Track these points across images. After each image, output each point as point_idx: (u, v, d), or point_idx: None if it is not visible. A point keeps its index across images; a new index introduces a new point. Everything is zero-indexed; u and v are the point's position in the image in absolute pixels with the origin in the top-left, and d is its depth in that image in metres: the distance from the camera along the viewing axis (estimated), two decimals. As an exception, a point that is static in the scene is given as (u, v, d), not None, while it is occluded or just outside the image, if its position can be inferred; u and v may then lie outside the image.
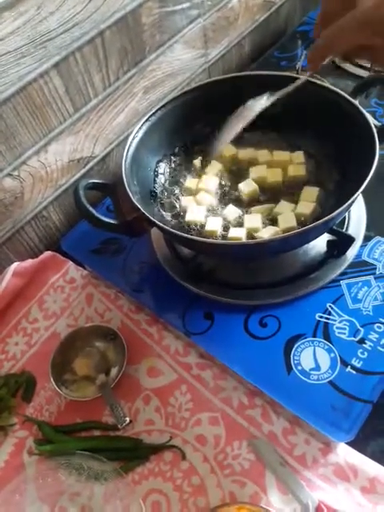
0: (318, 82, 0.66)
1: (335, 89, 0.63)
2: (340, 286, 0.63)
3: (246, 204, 0.66)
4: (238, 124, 0.62)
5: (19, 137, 0.70)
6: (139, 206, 0.56)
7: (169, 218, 0.67)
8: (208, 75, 1.01)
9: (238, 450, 0.60)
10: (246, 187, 0.65)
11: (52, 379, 0.66)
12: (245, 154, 0.70)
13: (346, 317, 0.60)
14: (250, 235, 0.61)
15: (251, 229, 0.61)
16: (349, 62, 0.58)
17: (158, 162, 0.71)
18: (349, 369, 0.57)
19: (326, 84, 0.66)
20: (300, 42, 1.05)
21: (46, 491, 0.59)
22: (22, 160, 0.72)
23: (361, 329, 0.59)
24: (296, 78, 0.67)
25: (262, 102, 0.61)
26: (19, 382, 0.69)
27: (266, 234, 0.60)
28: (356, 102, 0.61)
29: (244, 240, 0.60)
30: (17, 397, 0.68)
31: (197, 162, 0.71)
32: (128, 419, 0.62)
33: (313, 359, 0.58)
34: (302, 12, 1.20)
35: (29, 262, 0.79)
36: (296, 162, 0.67)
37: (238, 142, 0.72)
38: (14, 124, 0.68)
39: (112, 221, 0.57)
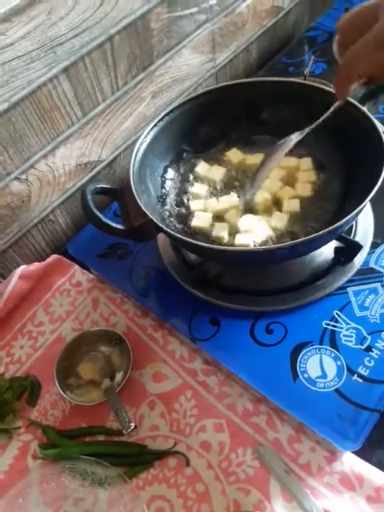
0: (326, 88, 0.66)
1: (344, 95, 0.63)
2: (347, 293, 0.63)
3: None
4: (276, 156, 0.62)
5: (27, 140, 0.70)
6: (147, 212, 0.56)
7: (176, 224, 0.67)
8: (215, 80, 1.01)
9: (242, 457, 0.59)
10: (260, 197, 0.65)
11: (57, 383, 0.66)
12: (253, 159, 0.70)
13: (353, 324, 0.60)
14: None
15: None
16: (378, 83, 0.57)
17: (166, 168, 0.71)
18: (355, 377, 0.56)
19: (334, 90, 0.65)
20: (307, 48, 1.05)
21: (50, 496, 0.59)
22: (29, 164, 0.73)
23: (368, 336, 0.59)
24: (304, 84, 0.67)
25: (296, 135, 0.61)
26: (24, 385, 0.69)
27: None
28: (364, 109, 0.61)
29: (251, 247, 0.60)
30: (21, 400, 0.68)
31: (199, 168, 0.71)
32: (133, 424, 0.61)
33: (319, 367, 0.58)
34: (309, 18, 1.20)
35: (35, 266, 0.79)
36: (304, 169, 0.67)
37: (246, 146, 0.72)
38: (22, 128, 0.68)
39: (119, 226, 0.58)
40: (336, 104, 0.57)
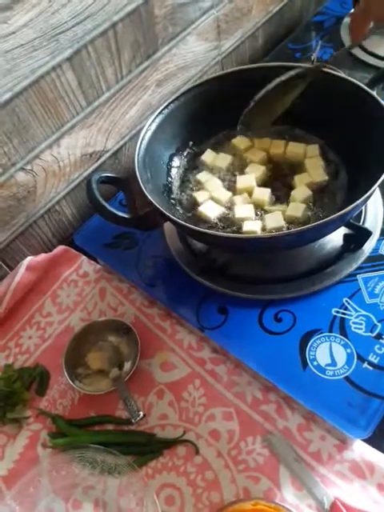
0: (335, 72, 0.65)
1: (352, 79, 0.62)
2: (356, 280, 0.62)
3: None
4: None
5: (32, 131, 0.70)
6: (152, 200, 0.56)
7: (182, 212, 0.66)
8: (221, 68, 0.99)
9: (252, 446, 0.59)
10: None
11: (65, 373, 0.66)
12: (260, 144, 0.69)
13: (363, 312, 0.59)
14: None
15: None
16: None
17: (172, 156, 0.70)
18: (365, 365, 0.56)
19: (343, 75, 0.64)
20: (314, 33, 1.03)
21: (60, 484, 0.60)
22: (34, 154, 0.72)
23: (378, 324, 0.58)
24: (311, 70, 0.66)
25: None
26: (33, 375, 0.69)
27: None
28: (374, 93, 0.60)
29: (258, 234, 0.59)
30: (31, 390, 0.69)
31: (205, 156, 0.70)
32: (142, 413, 0.61)
33: (329, 355, 0.57)
34: (316, 2, 1.17)
35: (42, 257, 0.79)
36: (310, 155, 0.66)
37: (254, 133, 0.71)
38: (26, 118, 0.68)
39: (125, 214, 0.57)
40: (350, 45, 0.56)
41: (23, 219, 0.77)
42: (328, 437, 0.58)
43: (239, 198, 0.64)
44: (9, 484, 0.61)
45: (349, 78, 0.62)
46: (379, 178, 0.51)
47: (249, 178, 0.65)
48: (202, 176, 0.68)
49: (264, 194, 0.63)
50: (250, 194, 0.64)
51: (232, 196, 0.65)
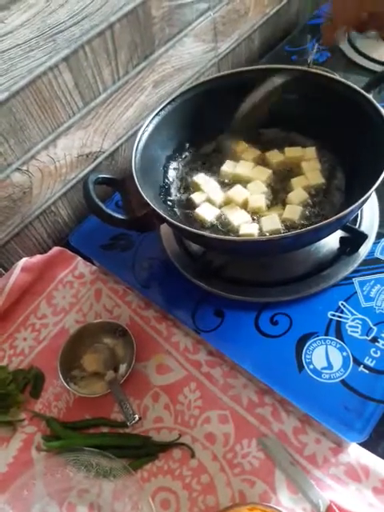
0: (330, 75, 0.65)
1: (348, 83, 0.62)
2: (352, 283, 0.62)
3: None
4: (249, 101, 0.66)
5: (28, 131, 0.69)
6: (149, 202, 0.55)
7: (178, 214, 0.66)
8: (217, 69, 0.99)
9: (247, 449, 0.59)
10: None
11: (60, 375, 0.66)
12: (251, 153, 0.69)
13: (359, 315, 0.59)
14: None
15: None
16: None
17: (168, 157, 0.70)
18: (361, 368, 0.56)
19: (339, 78, 0.64)
20: (310, 36, 1.03)
21: (55, 487, 0.59)
22: (30, 155, 0.72)
23: (374, 327, 0.58)
24: (307, 71, 0.67)
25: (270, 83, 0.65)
26: (27, 377, 0.69)
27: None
28: (370, 96, 0.60)
29: (255, 236, 0.59)
30: (25, 392, 0.68)
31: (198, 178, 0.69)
32: (137, 416, 0.61)
33: (325, 358, 0.57)
34: (313, 5, 1.18)
35: (37, 258, 0.78)
36: (308, 158, 0.66)
37: (253, 139, 0.71)
38: (22, 118, 0.67)
39: (121, 216, 0.57)
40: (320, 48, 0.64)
41: (18, 220, 0.77)
42: (323, 440, 0.58)
43: (229, 206, 0.64)
44: (2, 487, 0.60)
45: (345, 82, 0.62)
46: (376, 181, 0.51)
47: (241, 191, 0.64)
48: (199, 178, 0.68)
49: (259, 201, 0.63)
50: (245, 205, 0.63)
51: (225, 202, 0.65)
